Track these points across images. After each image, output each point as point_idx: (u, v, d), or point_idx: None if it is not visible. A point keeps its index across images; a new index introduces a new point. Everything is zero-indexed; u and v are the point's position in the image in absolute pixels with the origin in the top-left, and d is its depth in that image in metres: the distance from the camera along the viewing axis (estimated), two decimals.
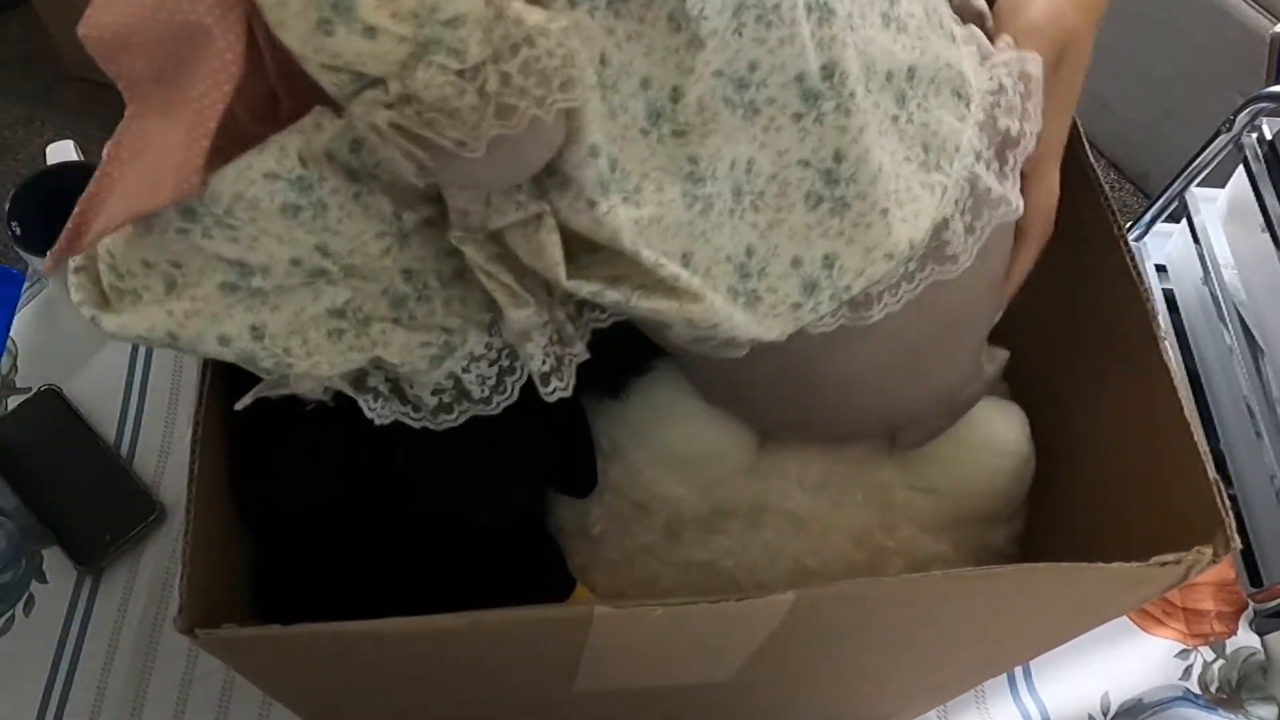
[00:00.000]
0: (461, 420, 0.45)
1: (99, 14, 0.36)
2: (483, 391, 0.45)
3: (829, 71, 0.38)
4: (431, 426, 0.45)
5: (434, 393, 0.44)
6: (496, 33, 0.32)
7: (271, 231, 0.38)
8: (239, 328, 0.39)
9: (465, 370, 0.44)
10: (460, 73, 0.33)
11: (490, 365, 0.44)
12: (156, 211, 0.36)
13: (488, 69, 0.33)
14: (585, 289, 0.39)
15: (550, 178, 0.37)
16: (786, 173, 0.40)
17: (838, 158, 0.40)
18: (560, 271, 0.38)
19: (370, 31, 0.32)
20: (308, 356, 0.41)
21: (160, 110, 0.36)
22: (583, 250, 0.39)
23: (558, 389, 0.44)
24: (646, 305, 0.39)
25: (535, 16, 0.33)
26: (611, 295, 0.39)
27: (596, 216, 0.37)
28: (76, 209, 0.37)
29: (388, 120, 0.33)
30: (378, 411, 0.44)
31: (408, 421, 0.45)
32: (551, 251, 0.38)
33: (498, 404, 0.45)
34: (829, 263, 0.41)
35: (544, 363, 0.43)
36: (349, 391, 0.44)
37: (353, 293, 0.40)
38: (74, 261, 0.39)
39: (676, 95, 0.38)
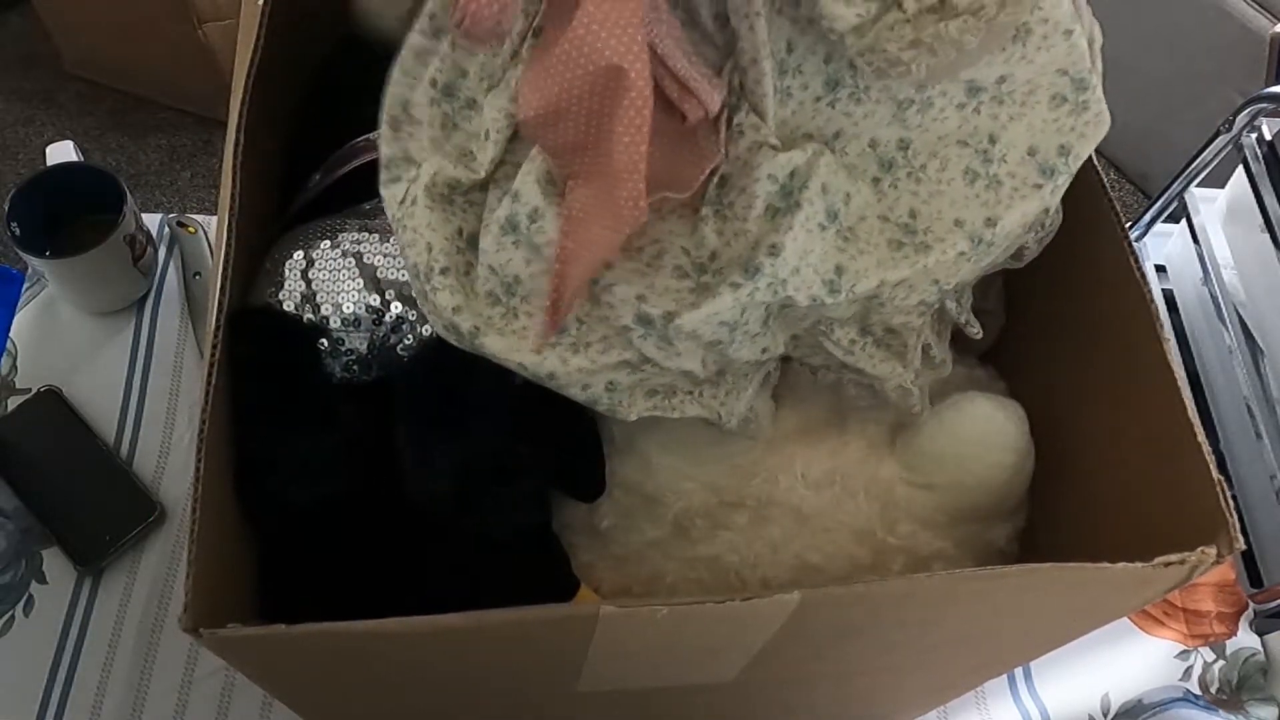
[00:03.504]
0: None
1: (532, 96, 0.42)
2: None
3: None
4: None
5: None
6: None
7: (690, 353, 0.46)
8: (601, 382, 0.47)
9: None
10: None
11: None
12: (619, 244, 0.43)
13: None
14: None
15: None
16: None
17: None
18: None
19: None
20: (629, 407, 0.48)
21: (592, 171, 0.41)
22: None
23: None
24: None
25: None
26: None
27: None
28: (552, 288, 0.44)
29: (906, 39, 0.40)
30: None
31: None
32: None
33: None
34: (1064, 151, 0.47)
35: None
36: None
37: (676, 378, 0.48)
38: (439, 262, 0.45)
39: None
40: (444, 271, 0.45)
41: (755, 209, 0.44)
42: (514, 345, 0.45)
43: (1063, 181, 0.47)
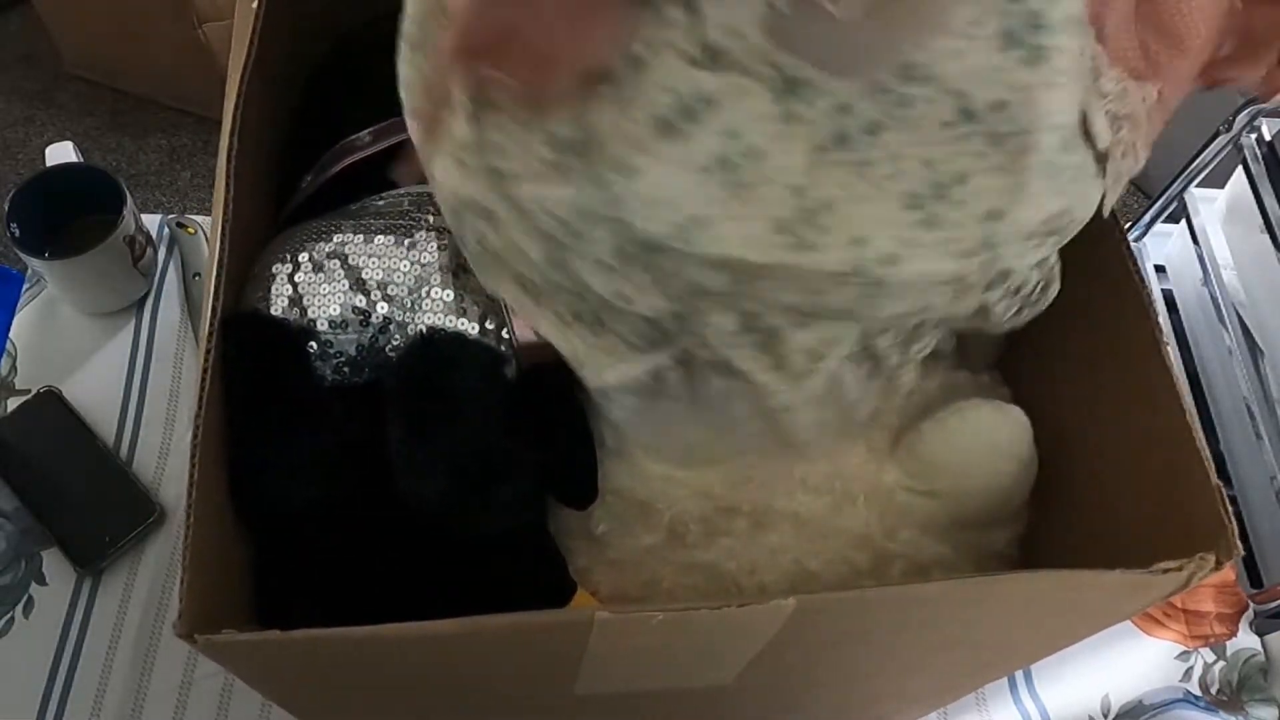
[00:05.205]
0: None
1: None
2: None
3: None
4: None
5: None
6: None
7: (524, 228, 0.43)
8: (469, 226, 0.46)
9: None
10: None
11: None
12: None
13: None
14: None
15: None
16: None
17: None
18: None
19: None
20: (497, 280, 0.47)
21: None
22: None
23: None
24: None
25: None
26: None
27: None
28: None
29: None
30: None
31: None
32: None
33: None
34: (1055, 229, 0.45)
35: None
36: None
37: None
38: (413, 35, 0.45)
39: None
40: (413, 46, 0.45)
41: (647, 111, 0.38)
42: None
43: (1004, 264, 0.41)
